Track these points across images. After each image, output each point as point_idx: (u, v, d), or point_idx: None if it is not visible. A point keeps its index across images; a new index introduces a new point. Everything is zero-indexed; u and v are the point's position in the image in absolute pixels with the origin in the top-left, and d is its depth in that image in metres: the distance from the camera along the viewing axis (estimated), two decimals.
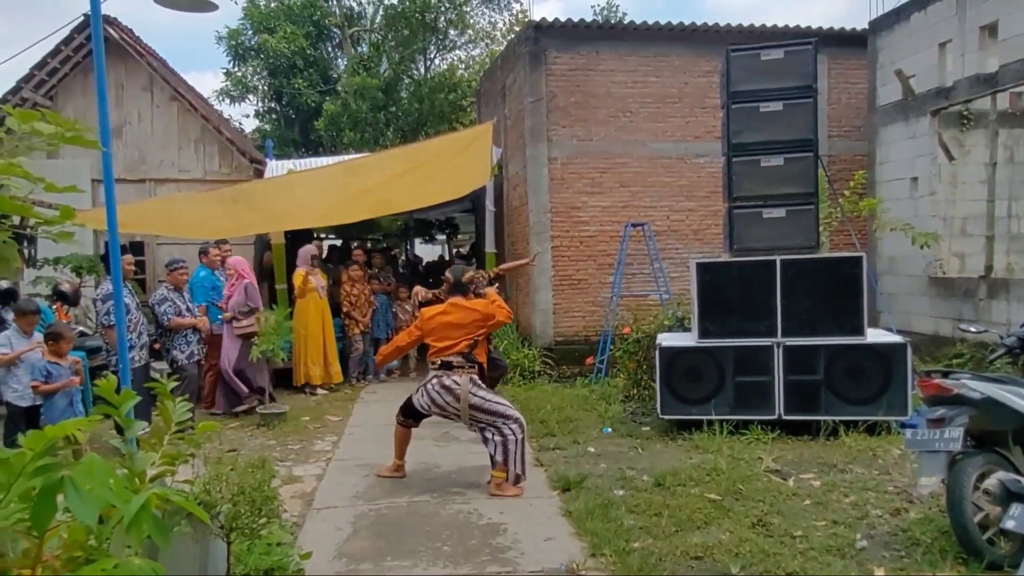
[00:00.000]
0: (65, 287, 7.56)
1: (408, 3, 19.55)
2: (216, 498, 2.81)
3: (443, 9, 20.07)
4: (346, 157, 11.89)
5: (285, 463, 5.80)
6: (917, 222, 8.75)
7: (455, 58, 22.39)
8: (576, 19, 9.94)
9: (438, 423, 7.08)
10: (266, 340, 6.80)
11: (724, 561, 3.78)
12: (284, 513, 4.42)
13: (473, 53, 22.46)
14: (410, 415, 5.35)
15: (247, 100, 21.18)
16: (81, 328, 7.56)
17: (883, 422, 6.04)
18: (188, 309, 6.94)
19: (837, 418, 6.04)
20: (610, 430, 6.61)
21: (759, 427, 6.07)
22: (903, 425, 5.97)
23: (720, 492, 4.77)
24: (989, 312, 7.84)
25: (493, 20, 22.11)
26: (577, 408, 7.40)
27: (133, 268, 6.91)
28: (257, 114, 22.11)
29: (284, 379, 8.82)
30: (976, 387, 3.81)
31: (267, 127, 21.11)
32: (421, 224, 18.04)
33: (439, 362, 5.17)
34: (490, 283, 7.07)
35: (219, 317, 7.64)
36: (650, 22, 9.96)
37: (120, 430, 4.61)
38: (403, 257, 17.74)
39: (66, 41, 10.35)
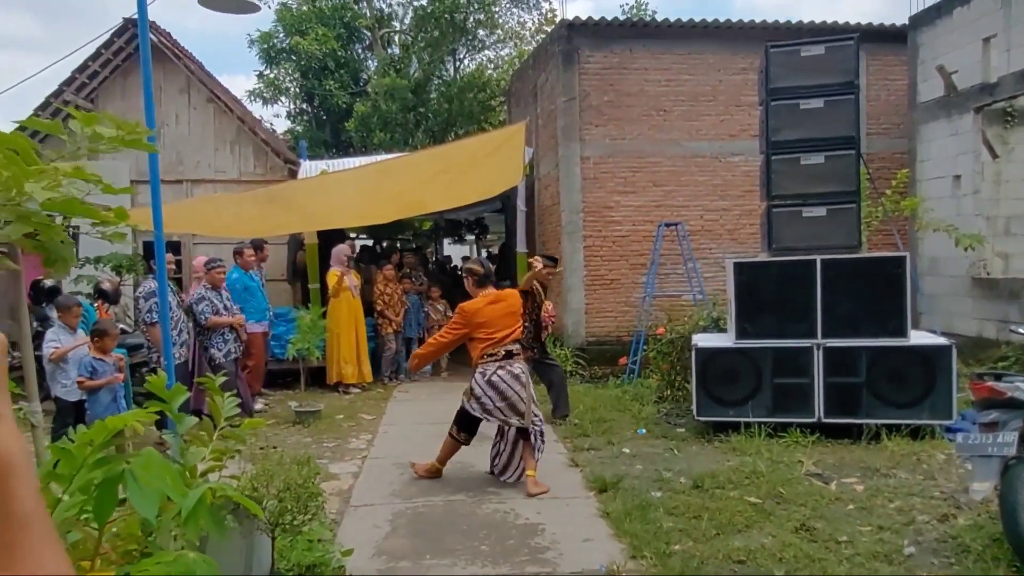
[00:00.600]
0: (106, 285, 7.71)
1: (437, 4, 19.64)
2: (262, 494, 2.83)
3: (472, 9, 20.12)
4: (378, 158, 11.97)
5: (321, 460, 5.81)
6: (960, 221, 8.54)
7: (484, 58, 22.45)
8: (608, 18, 9.88)
9: None
10: (301, 339, 6.85)
11: (768, 566, 3.70)
12: (323, 510, 4.46)
13: (502, 53, 22.50)
14: (466, 428, 5.16)
15: (279, 102, 21.47)
16: (122, 326, 7.71)
17: (927, 426, 5.89)
18: (226, 308, 7.03)
19: (879, 421, 5.90)
20: (644, 431, 6.54)
21: (798, 430, 5.95)
22: (948, 429, 5.83)
23: (760, 495, 4.69)
24: None
25: (522, 20, 22.13)
26: (610, 409, 7.34)
27: (173, 267, 7.02)
28: (288, 115, 22.40)
29: (318, 378, 8.90)
30: None
31: (299, 128, 21.35)
32: (451, 224, 18.10)
33: (502, 352, 5.02)
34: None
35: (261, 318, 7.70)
36: (684, 19, 9.87)
37: (160, 426, 4.68)
38: (433, 257, 17.81)
39: (106, 45, 10.57)
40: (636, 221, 9.86)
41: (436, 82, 21.08)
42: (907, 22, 9.83)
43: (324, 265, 9.36)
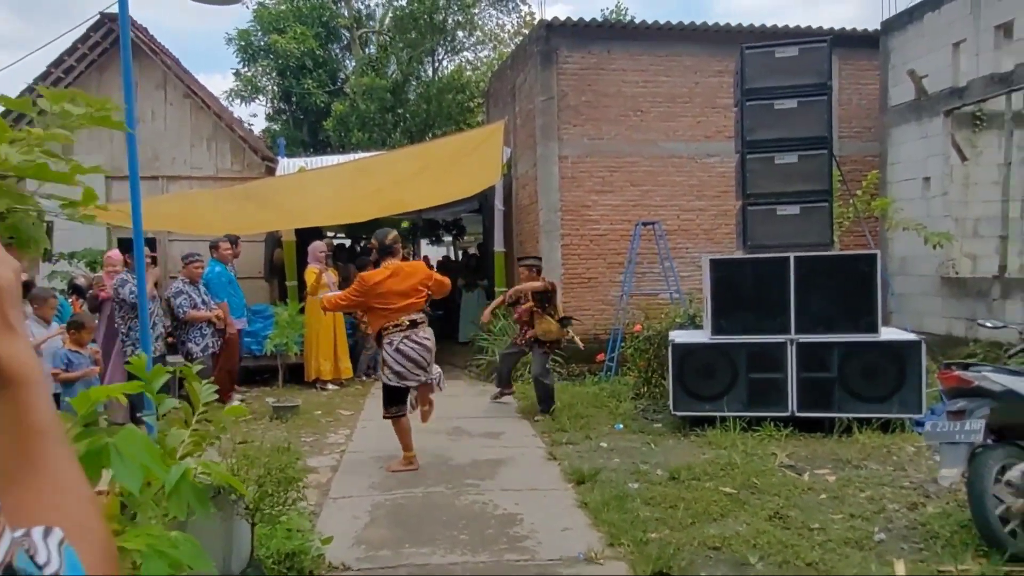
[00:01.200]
0: (80, 281, 7.61)
1: (417, 5, 19.65)
2: (243, 478, 2.83)
3: (451, 11, 20.16)
4: (356, 156, 11.94)
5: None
6: (929, 222, 8.74)
7: (463, 60, 22.49)
8: (587, 19, 9.96)
9: (449, 416, 7.14)
10: (279, 335, 6.82)
11: (742, 552, 3.77)
12: (301, 502, 4.45)
13: (481, 55, 22.56)
14: (395, 402, 5.37)
15: (257, 100, 21.33)
16: (96, 320, 7.60)
17: (897, 420, 6.03)
18: (204, 302, 6.97)
19: (851, 415, 6.03)
20: (622, 426, 6.60)
21: (772, 424, 6.05)
22: (918, 423, 5.96)
23: (735, 486, 4.77)
24: (1003, 312, 7.82)
25: (501, 22, 22.21)
26: (588, 405, 7.40)
27: (150, 261, 6.93)
28: (267, 115, 22.25)
29: (296, 375, 8.86)
30: (997, 379, 3.81)
31: (276, 127, 21.21)
32: (429, 224, 18.09)
33: (406, 322, 5.25)
34: (563, 321, 7.27)
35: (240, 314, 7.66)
36: (661, 21, 9.99)
37: (134, 410, 4.59)
38: (411, 257, 17.78)
39: (83, 39, 10.43)
40: (614, 220, 9.95)
41: (415, 83, 21.07)
42: (879, 27, 10.05)
43: (301, 262, 9.31)
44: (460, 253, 19.50)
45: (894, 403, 6.00)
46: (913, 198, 9.34)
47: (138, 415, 6.04)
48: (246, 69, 20.70)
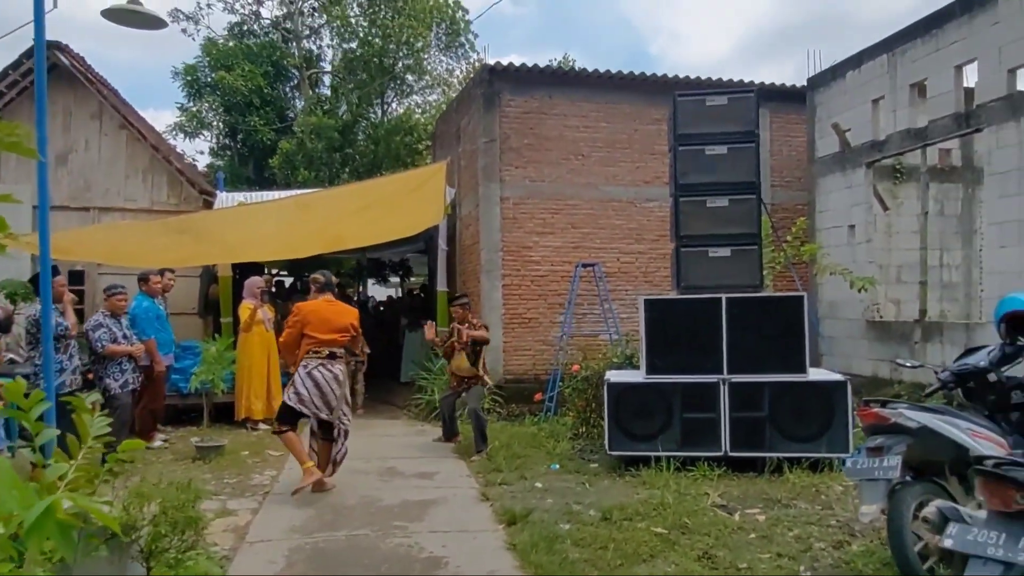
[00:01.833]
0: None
1: (366, 48, 19.83)
2: (135, 518, 2.64)
3: (401, 55, 20.40)
4: (298, 192, 11.80)
5: (219, 496, 5.54)
6: (855, 268, 9.08)
7: (412, 103, 22.70)
8: (530, 65, 10.19)
9: (383, 456, 6.95)
10: (205, 371, 6.57)
11: None
12: (214, 547, 4.22)
13: (430, 98, 22.81)
14: (287, 420, 5.60)
15: (201, 136, 21.01)
16: (12, 355, 7.19)
17: (826, 459, 6.12)
18: (125, 336, 6.67)
19: (781, 455, 6.10)
20: (558, 467, 6.53)
21: (706, 463, 6.08)
22: (845, 463, 6.07)
23: (666, 526, 4.74)
24: (924, 354, 8.12)
25: (451, 68, 22.56)
26: (525, 445, 7.31)
27: (65, 289, 6.62)
28: (211, 151, 21.91)
29: (226, 414, 8.52)
30: (913, 416, 3.90)
31: (220, 163, 20.88)
32: (374, 264, 17.93)
33: (326, 352, 5.58)
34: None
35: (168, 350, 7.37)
36: (601, 70, 10.29)
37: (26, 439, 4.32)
38: (356, 297, 17.53)
39: (14, 66, 10.12)
40: (554, 261, 10.03)
41: (364, 123, 21.13)
42: (806, 83, 10.56)
43: (238, 298, 9.05)
44: (404, 292, 19.35)
45: (823, 443, 6.10)
46: (840, 245, 9.71)
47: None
48: (191, 104, 20.43)
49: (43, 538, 1.71)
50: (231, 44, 20.55)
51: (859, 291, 8.70)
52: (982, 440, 3.71)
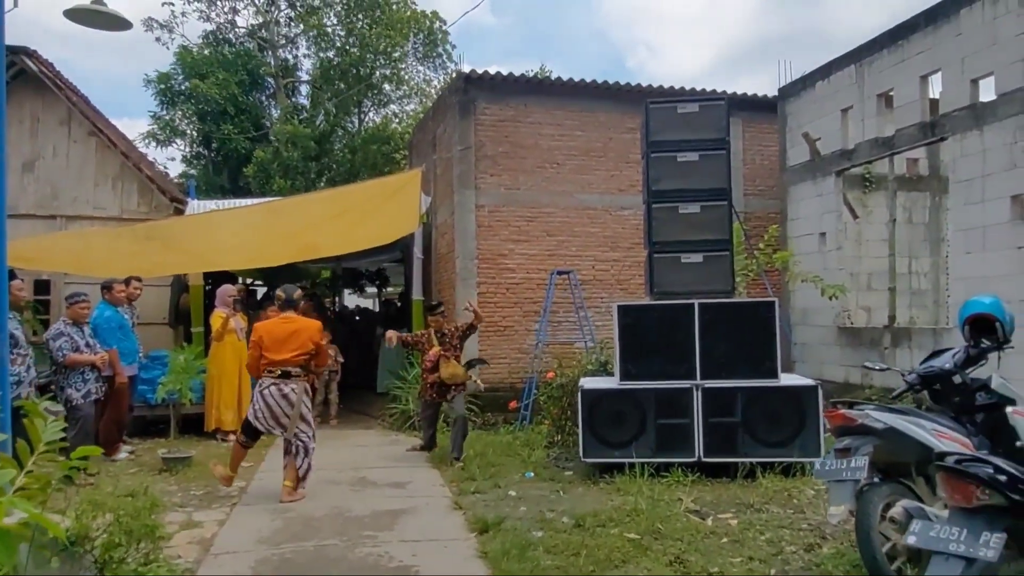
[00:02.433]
0: None
1: (343, 57, 19.77)
2: (88, 527, 2.56)
3: (378, 64, 20.37)
4: (271, 199, 11.67)
5: (185, 508, 5.42)
6: (826, 275, 9.19)
7: (389, 112, 22.65)
8: (505, 73, 10.22)
9: (356, 467, 6.87)
10: (173, 380, 6.44)
11: None
12: (178, 559, 4.12)
13: (407, 108, 22.77)
14: (246, 433, 5.85)
15: (174, 144, 20.74)
16: None
17: (798, 464, 6.15)
18: (88, 345, 6.52)
19: (754, 460, 6.12)
20: (532, 474, 6.49)
21: (680, 469, 6.08)
22: (815, 465, 6.11)
23: (639, 532, 4.72)
24: (894, 359, 8.23)
25: (428, 77, 22.55)
26: (500, 454, 7.27)
27: (24, 295, 6.45)
28: (185, 159, 21.63)
29: (196, 425, 8.36)
30: (879, 417, 3.93)
31: (194, 172, 20.62)
32: (350, 273, 17.78)
33: (279, 371, 5.64)
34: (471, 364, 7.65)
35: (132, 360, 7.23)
36: (576, 79, 10.35)
37: None
38: (333, 307, 17.38)
39: None
40: (530, 269, 10.03)
41: (341, 132, 21.02)
42: (777, 93, 10.71)
43: (209, 308, 8.92)
44: (380, 303, 19.23)
45: (795, 447, 6.13)
46: (811, 252, 9.83)
47: None
48: (164, 112, 20.17)
49: None
50: (206, 52, 20.35)
51: (830, 298, 8.80)
52: (947, 440, 3.75)
